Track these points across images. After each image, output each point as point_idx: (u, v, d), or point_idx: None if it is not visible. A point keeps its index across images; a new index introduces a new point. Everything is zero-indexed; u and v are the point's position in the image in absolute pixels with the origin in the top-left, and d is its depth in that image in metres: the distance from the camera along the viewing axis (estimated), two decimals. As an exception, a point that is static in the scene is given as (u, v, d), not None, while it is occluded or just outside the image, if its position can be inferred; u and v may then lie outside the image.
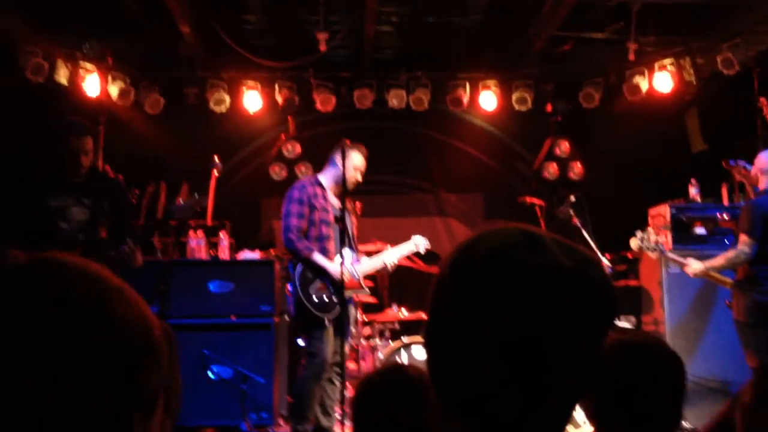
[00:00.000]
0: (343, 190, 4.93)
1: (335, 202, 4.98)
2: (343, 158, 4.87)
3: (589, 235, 5.86)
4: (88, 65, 6.94)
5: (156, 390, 0.84)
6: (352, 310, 5.19)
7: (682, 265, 5.28)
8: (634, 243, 5.38)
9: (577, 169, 7.96)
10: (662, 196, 6.30)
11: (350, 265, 4.94)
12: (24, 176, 4.53)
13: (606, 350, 0.96)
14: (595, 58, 7.44)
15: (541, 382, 0.89)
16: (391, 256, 5.26)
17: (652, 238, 5.34)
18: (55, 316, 0.78)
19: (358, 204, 5.49)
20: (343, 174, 4.88)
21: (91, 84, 6.94)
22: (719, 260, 5.04)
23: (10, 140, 6.22)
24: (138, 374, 0.82)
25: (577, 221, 5.89)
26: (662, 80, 7.21)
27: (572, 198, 6.04)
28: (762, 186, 5.03)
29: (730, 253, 4.98)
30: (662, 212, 6.13)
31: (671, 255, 5.43)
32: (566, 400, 0.93)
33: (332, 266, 4.80)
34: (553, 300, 0.90)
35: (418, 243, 5.36)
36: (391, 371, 2.16)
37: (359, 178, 5.04)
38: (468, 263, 0.95)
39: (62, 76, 6.79)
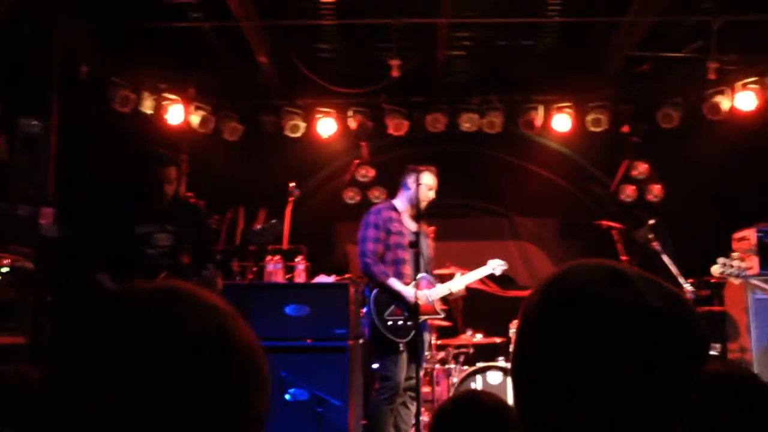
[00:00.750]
0: (417, 212, 4.97)
1: (411, 226, 5.02)
2: (417, 182, 4.92)
3: (670, 260, 5.69)
4: (172, 96, 7.23)
5: (264, 413, 0.87)
6: (426, 334, 5.19)
7: None
8: (715, 270, 5.19)
9: (656, 191, 7.76)
10: (747, 219, 6.08)
11: (425, 289, 4.93)
12: (112, 205, 4.75)
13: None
14: (673, 78, 7.28)
15: (629, 423, 0.88)
16: (466, 280, 5.25)
17: (735, 264, 5.14)
18: (177, 342, 0.82)
19: (432, 228, 5.51)
20: (417, 197, 4.92)
21: (174, 113, 7.23)
22: None
23: (98, 169, 6.52)
24: (252, 398, 0.85)
25: (656, 245, 5.73)
26: (745, 99, 6.98)
27: (651, 221, 5.89)
28: None
29: None
30: (747, 236, 5.91)
31: (756, 282, 5.23)
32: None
33: (407, 291, 4.83)
34: (641, 341, 0.88)
35: (495, 266, 5.33)
36: (467, 398, 2.15)
37: (432, 196, 5.08)
38: (554, 301, 0.94)
39: (147, 106, 7.10)
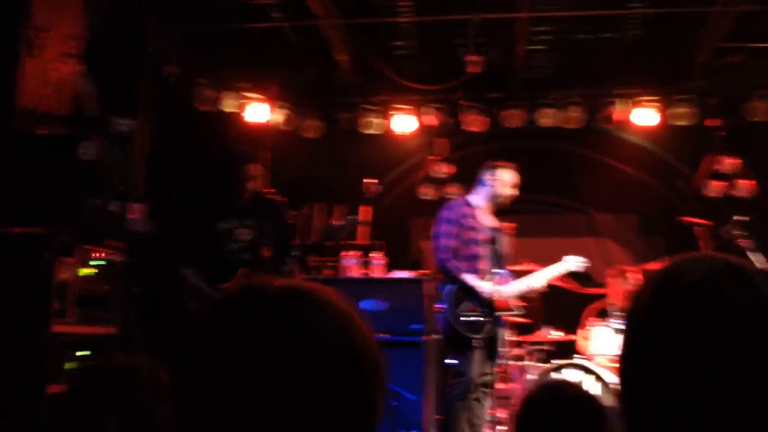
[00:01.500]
0: (494, 207, 4.96)
1: (487, 222, 5.01)
2: (494, 177, 4.91)
3: (761, 258, 5.46)
4: (253, 95, 7.44)
5: (381, 415, 0.89)
6: (501, 330, 5.17)
7: None
8: None
9: (744, 186, 7.46)
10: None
11: (501, 285, 4.93)
12: (197, 201, 4.94)
13: None
14: (762, 70, 6.98)
15: (753, 425, 0.83)
16: (542, 276, 5.21)
17: None
18: (305, 345, 0.83)
19: (511, 225, 5.46)
20: (493, 192, 4.90)
21: (256, 112, 7.43)
22: None
23: (184, 167, 6.77)
24: (376, 403, 0.88)
25: (742, 242, 5.52)
26: (841, 90, 6.62)
27: (737, 217, 5.67)
28: None
29: None
30: (843, 233, 5.62)
31: None
32: None
33: (483, 286, 4.82)
34: (762, 340, 0.84)
35: (570, 263, 5.24)
36: (555, 388, 2.13)
37: (510, 192, 5.05)
38: (671, 297, 0.90)
39: (230, 105, 7.32)
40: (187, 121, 7.00)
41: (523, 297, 5.27)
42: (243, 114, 7.39)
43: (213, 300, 0.92)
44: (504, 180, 4.98)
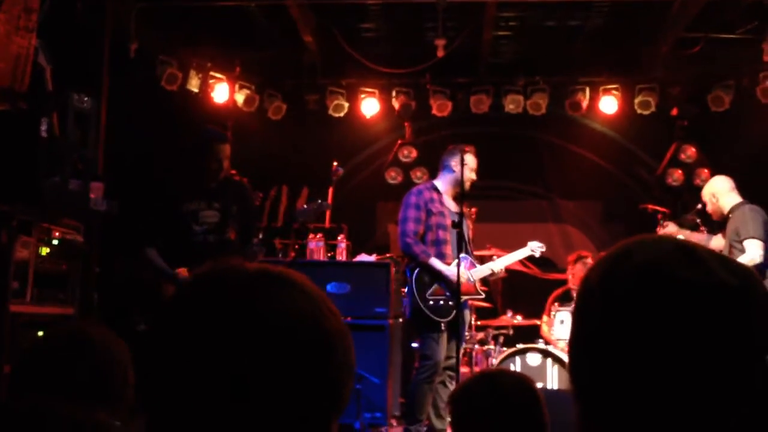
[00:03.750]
0: (461, 192, 4.96)
1: (452, 207, 5.02)
2: (461, 162, 4.90)
3: (718, 245, 5.58)
4: (218, 74, 7.31)
5: (348, 399, 0.88)
6: (466, 314, 5.20)
7: None
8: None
9: (704, 175, 7.60)
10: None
11: (466, 269, 4.94)
12: (161, 181, 4.85)
13: None
14: (725, 60, 7.10)
15: (699, 403, 0.84)
16: (507, 260, 5.24)
17: None
18: (276, 329, 0.82)
19: (473, 209, 5.49)
20: (461, 177, 4.91)
21: (220, 92, 7.32)
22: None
23: (147, 146, 6.64)
24: (344, 388, 0.87)
25: (703, 230, 5.64)
26: (800, 82, 6.77)
27: (699, 206, 5.78)
28: None
29: None
30: (799, 222, 5.76)
31: None
32: (725, 420, 0.85)
33: (449, 270, 4.84)
34: (714, 319, 0.83)
35: (534, 248, 5.30)
36: (485, 377, 2.11)
37: (473, 177, 5.07)
38: (620, 278, 0.89)
39: (193, 84, 7.19)
40: (148, 99, 6.85)
41: (486, 281, 5.30)
42: (205, 93, 7.27)
43: (185, 280, 0.90)
44: (467, 164, 4.98)
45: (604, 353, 0.88)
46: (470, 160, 5.03)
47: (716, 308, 0.84)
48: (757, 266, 4.81)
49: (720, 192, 5.26)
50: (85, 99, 5.10)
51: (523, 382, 2.05)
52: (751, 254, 4.90)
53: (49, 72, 5.03)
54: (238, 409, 0.79)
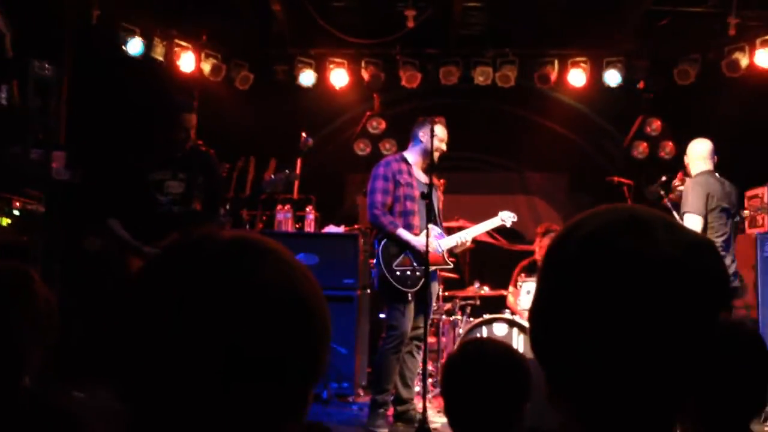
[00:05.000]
0: (431, 163, 4.96)
1: (422, 178, 5.02)
2: (431, 133, 4.89)
3: (680, 217, 5.68)
4: (183, 42, 7.19)
5: (327, 361, 0.89)
6: (435, 285, 5.22)
7: None
8: None
9: (668, 148, 7.71)
10: (760, 177, 6.04)
11: (435, 240, 4.95)
12: (124, 150, 4.77)
13: None
14: (692, 34, 7.15)
15: (644, 373, 0.86)
16: (477, 230, 5.26)
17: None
18: (257, 296, 0.82)
19: (442, 181, 5.50)
20: (430, 148, 4.89)
21: (186, 61, 7.19)
22: None
23: (111, 114, 6.52)
24: (321, 355, 0.87)
25: (666, 202, 5.72)
26: (764, 56, 6.86)
27: (663, 178, 5.86)
28: None
29: None
30: (760, 194, 5.88)
31: None
32: (672, 387, 0.88)
33: (416, 241, 4.85)
34: (650, 290, 0.85)
35: (505, 218, 5.33)
36: (475, 347, 2.17)
37: (443, 148, 5.06)
38: (567, 248, 0.91)
39: (158, 52, 7.06)
40: (112, 67, 6.72)
41: (453, 253, 5.32)
42: (171, 62, 7.14)
43: (161, 249, 0.89)
44: (437, 135, 4.97)
45: (554, 321, 0.91)
46: (440, 131, 5.02)
47: (651, 279, 0.85)
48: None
49: (691, 156, 5.20)
50: (47, 66, 5.00)
51: (509, 349, 2.12)
52: None
53: (9, 38, 4.91)
54: (219, 378, 0.79)
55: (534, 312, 0.95)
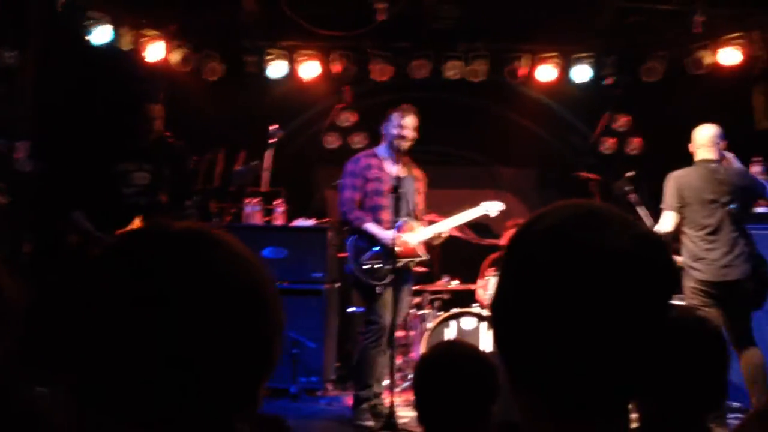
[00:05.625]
0: (396, 149, 4.96)
1: (395, 171, 5.01)
2: (397, 123, 4.92)
3: (646, 212, 5.77)
4: (152, 32, 7.09)
5: (279, 356, 0.90)
6: (406, 278, 5.12)
7: None
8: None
9: (635, 144, 7.81)
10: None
11: (406, 232, 4.95)
12: (89, 141, 4.70)
13: None
14: (660, 31, 7.24)
15: (598, 362, 0.88)
16: (457, 221, 5.23)
17: None
18: (207, 288, 0.82)
19: (423, 174, 5.38)
20: (397, 138, 4.92)
21: (154, 50, 7.10)
22: None
23: (76, 104, 6.41)
24: (274, 346, 0.88)
25: (632, 197, 5.80)
26: (729, 55, 6.98)
27: (629, 174, 5.94)
28: None
29: None
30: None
31: None
32: (626, 380, 0.91)
33: (383, 234, 4.85)
34: (602, 282, 0.88)
35: (489, 208, 5.33)
36: (446, 348, 2.24)
37: (410, 136, 5.00)
38: (525, 241, 0.95)
39: (126, 42, 6.95)
40: (79, 56, 6.60)
41: (432, 245, 5.28)
42: (139, 51, 7.04)
43: (111, 241, 0.88)
44: (405, 124, 4.97)
45: (514, 313, 0.93)
46: (409, 119, 5.01)
47: (609, 268, 0.88)
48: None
49: (693, 145, 5.09)
50: (11, 54, 4.90)
51: (479, 351, 2.19)
52: (658, 224, 4.93)
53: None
54: (169, 368, 0.79)
55: (496, 304, 0.97)
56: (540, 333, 0.90)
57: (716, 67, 7.07)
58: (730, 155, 5.09)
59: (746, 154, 6.16)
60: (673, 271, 0.96)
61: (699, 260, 4.77)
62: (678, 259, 4.97)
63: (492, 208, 5.34)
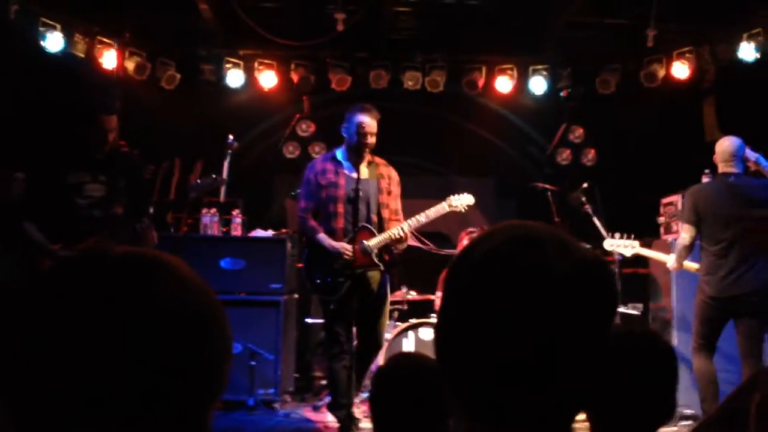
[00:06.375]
0: (357, 152, 4.72)
1: (355, 175, 4.70)
2: (355, 122, 4.68)
3: (600, 223, 5.86)
4: (106, 39, 6.98)
5: (227, 380, 0.88)
6: (369, 286, 4.80)
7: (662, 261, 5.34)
8: (607, 244, 5.46)
9: (590, 155, 7.95)
10: (676, 184, 6.28)
11: (364, 240, 4.69)
12: (42, 152, 4.61)
13: None
14: (613, 44, 7.39)
15: (541, 382, 0.91)
16: (418, 221, 4.84)
17: (621, 242, 5.42)
18: (147, 312, 0.80)
19: (394, 175, 5.03)
20: (355, 138, 4.66)
21: (108, 58, 6.99)
22: (675, 251, 5.05)
23: (29, 114, 6.28)
24: (219, 368, 0.86)
25: (588, 208, 5.90)
26: (680, 68, 7.16)
27: (585, 185, 6.04)
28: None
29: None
30: (674, 201, 6.12)
31: (647, 252, 5.51)
32: (569, 398, 0.94)
33: (332, 246, 4.62)
34: (544, 307, 0.90)
35: (454, 201, 4.95)
36: (403, 361, 2.24)
37: (370, 140, 4.74)
38: (465, 267, 0.96)
39: (80, 49, 6.83)
40: (31, 64, 6.47)
41: (393, 250, 4.94)
42: (93, 59, 6.92)
43: (48, 268, 0.86)
44: (366, 122, 4.70)
45: (456, 336, 0.95)
46: (369, 117, 4.75)
47: (545, 293, 0.91)
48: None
49: (718, 157, 4.94)
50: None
51: (437, 366, 2.16)
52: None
53: None
54: (110, 396, 0.77)
55: (438, 329, 0.99)
56: (482, 357, 0.91)
57: (669, 80, 7.24)
58: (753, 156, 4.99)
59: (697, 166, 6.32)
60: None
61: (709, 275, 4.77)
62: (693, 266, 5.00)
63: (460, 201, 4.94)
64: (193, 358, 0.82)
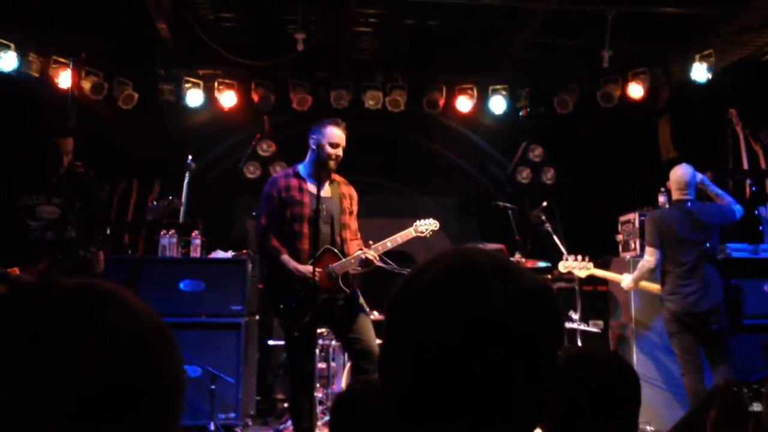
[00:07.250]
0: (323, 171, 4.46)
1: (320, 193, 4.41)
2: (322, 136, 4.46)
3: (560, 240, 5.92)
4: (61, 59, 6.87)
5: (181, 410, 0.86)
6: (335, 311, 4.62)
7: (617, 281, 5.53)
8: (562, 266, 5.64)
9: (550, 174, 8.05)
10: (633, 203, 6.38)
11: (329, 264, 4.50)
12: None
13: (559, 365, 0.98)
14: (570, 65, 7.52)
15: (486, 415, 0.90)
16: (385, 246, 4.68)
17: (576, 264, 5.56)
18: (94, 344, 0.78)
19: (353, 194, 4.83)
20: (318, 153, 4.42)
21: (64, 78, 6.87)
22: (636, 272, 5.27)
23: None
24: (169, 400, 0.83)
25: (548, 226, 5.95)
26: (635, 88, 7.31)
27: (544, 203, 6.11)
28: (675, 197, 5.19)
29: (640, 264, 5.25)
30: (631, 219, 6.21)
31: (601, 273, 5.65)
32: (519, 427, 0.93)
33: (297, 270, 4.39)
34: (484, 339, 0.90)
35: (420, 226, 4.87)
36: (363, 386, 2.22)
37: (339, 153, 4.53)
38: (404, 300, 0.96)
39: (34, 69, 6.71)
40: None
41: (360, 272, 4.78)
42: (48, 78, 6.80)
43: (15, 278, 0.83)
44: (334, 135, 4.51)
45: (397, 368, 0.95)
46: (333, 133, 4.53)
47: (485, 328, 0.90)
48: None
49: (672, 185, 5.22)
50: None
51: None
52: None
53: None
54: (58, 430, 0.75)
55: (379, 361, 1.00)
56: (424, 393, 0.91)
57: (625, 100, 7.38)
58: (699, 178, 5.22)
59: (653, 184, 6.44)
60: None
61: (674, 294, 5.04)
62: (653, 287, 5.26)
63: (426, 227, 4.87)
64: (141, 388, 0.80)
